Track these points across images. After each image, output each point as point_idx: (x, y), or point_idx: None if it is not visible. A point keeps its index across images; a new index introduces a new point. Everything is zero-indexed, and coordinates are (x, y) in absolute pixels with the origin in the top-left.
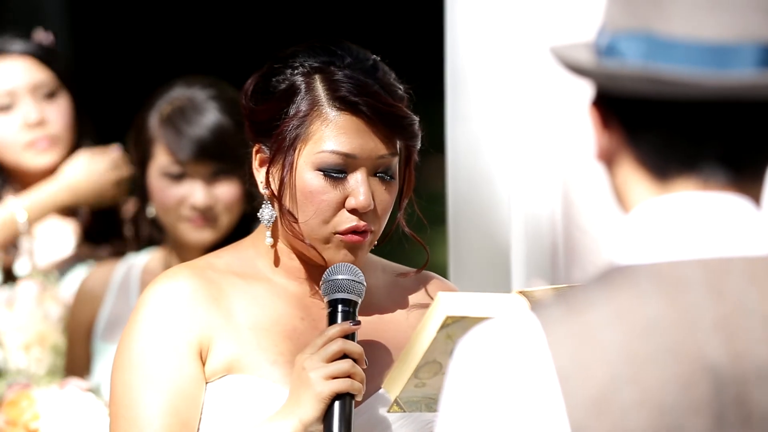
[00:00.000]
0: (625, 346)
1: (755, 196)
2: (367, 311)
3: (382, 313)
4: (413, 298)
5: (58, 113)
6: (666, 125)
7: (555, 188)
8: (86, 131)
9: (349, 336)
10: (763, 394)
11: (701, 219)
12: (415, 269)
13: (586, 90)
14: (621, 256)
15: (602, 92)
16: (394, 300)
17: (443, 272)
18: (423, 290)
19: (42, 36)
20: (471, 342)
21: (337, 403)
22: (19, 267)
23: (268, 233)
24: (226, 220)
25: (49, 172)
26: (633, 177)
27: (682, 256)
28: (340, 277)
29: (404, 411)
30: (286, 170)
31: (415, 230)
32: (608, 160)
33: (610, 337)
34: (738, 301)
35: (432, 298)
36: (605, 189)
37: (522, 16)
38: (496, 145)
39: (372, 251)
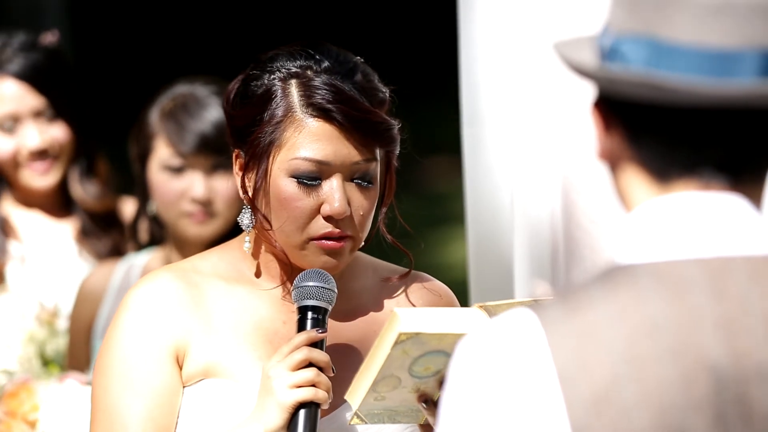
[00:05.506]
0: (626, 345)
1: (756, 199)
2: (356, 314)
3: (370, 316)
4: (402, 301)
5: (57, 136)
6: (667, 130)
7: (556, 187)
8: (86, 147)
9: (318, 344)
10: (764, 394)
11: (702, 218)
12: (404, 270)
13: (591, 90)
14: (622, 255)
15: (604, 94)
16: (383, 302)
17: (461, 272)
18: (413, 292)
19: (48, 38)
20: (471, 341)
21: (302, 412)
22: (10, 272)
23: (247, 238)
24: (225, 216)
25: (48, 189)
26: (635, 179)
27: (683, 256)
28: (310, 283)
29: (366, 423)
30: (260, 176)
31: (426, 232)
32: (611, 161)
33: (611, 336)
34: (739, 301)
35: (421, 300)
36: (607, 188)
37: (536, 16)
38: (502, 144)
39: (368, 252)
